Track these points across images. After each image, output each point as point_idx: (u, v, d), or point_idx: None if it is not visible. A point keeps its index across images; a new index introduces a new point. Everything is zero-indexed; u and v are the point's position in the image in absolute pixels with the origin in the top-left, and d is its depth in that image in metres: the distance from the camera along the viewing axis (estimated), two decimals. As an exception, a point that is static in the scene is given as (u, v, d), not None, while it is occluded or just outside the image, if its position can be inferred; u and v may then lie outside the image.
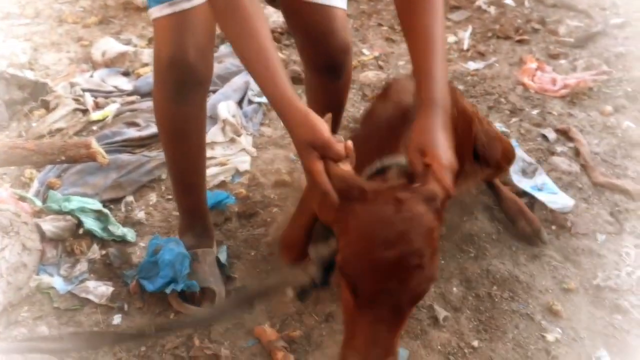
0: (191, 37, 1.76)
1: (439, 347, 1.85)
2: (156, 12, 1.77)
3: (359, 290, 1.20)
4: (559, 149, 2.60)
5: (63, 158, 1.83)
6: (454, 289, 2.03)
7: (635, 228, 2.24)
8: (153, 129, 2.61)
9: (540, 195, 2.35)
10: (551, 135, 2.68)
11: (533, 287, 2.04)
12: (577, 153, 2.57)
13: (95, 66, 3.16)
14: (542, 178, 2.42)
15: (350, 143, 1.32)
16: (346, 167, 1.30)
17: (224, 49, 3.27)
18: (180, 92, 1.82)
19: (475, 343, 1.87)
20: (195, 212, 2.11)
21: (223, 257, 2.11)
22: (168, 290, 1.97)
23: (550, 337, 1.88)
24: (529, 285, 2.04)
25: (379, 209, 1.21)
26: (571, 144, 2.63)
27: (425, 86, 1.35)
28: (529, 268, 2.11)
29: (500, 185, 2.33)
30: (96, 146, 1.86)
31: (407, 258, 1.16)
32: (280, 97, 1.32)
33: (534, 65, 3.16)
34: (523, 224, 2.23)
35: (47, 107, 2.81)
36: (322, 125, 1.30)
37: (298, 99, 1.34)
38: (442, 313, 1.92)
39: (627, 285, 2.02)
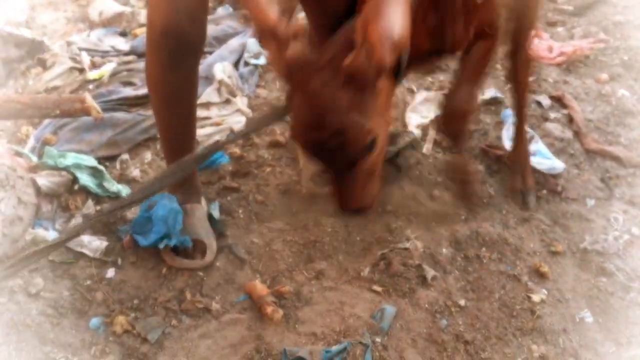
0: (183, 4, 1.78)
1: (427, 305, 1.88)
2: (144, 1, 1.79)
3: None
4: (552, 115, 2.61)
5: (57, 112, 1.85)
6: (444, 250, 2.06)
7: (624, 194, 2.27)
8: (149, 89, 2.62)
9: (532, 159, 2.37)
10: (545, 101, 2.69)
11: (521, 249, 2.07)
12: (570, 120, 2.59)
13: (92, 26, 3.16)
14: (537, 145, 2.44)
15: (299, 25, 1.36)
16: (296, 47, 1.33)
17: (221, 11, 3.27)
18: (174, 59, 1.85)
19: (462, 302, 1.90)
20: (186, 176, 2.13)
21: (216, 214, 2.14)
22: (161, 246, 2.00)
23: (535, 297, 1.92)
24: (517, 248, 2.07)
25: (304, 92, 1.33)
26: (565, 111, 2.64)
27: None
28: (518, 231, 2.13)
29: (525, 130, 2.30)
30: (91, 101, 1.87)
31: (335, 131, 1.31)
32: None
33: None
34: (518, 180, 2.26)
35: (44, 66, 2.82)
36: (268, 13, 1.33)
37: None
38: (430, 272, 1.95)
39: (614, 249, 2.05)
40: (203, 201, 2.16)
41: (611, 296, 1.92)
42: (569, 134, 2.52)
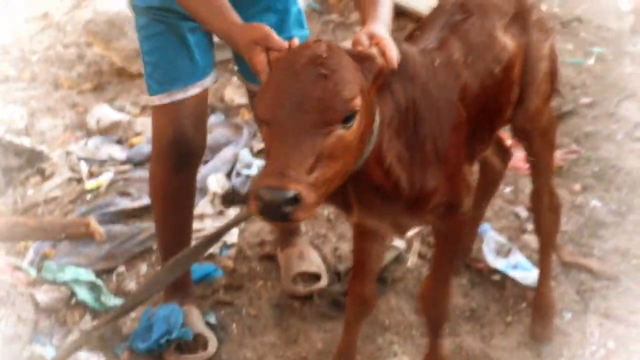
0: (187, 118, 1.98)
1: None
2: (156, 100, 1.98)
3: (269, 125, 1.25)
4: (530, 227, 2.75)
5: (63, 235, 1.96)
6: (428, 364, 2.15)
7: (599, 307, 2.38)
8: (145, 200, 2.74)
9: (513, 273, 2.49)
10: (523, 213, 2.83)
11: (503, 364, 2.16)
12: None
13: (89, 133, 3.29)
14: (516, 257, 2.56)
15: (296, 39, 1.41)
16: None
17: (214, 119, 3.42)
18: (179, 163, 2.03)
19: (447, 417, 1.98)
20: (182, 283, 2.24)
21: (212, 320, 2.23)
22: (162, 341, 2.08)
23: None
24: (500, 363, 2.16)
25: (294, 54, 1.29)
26: (541, 223, 2.78)
27: (373, 12, 1.47)
28: (500, 345, 2.23)
29: (549, 281, 2.30)
30: (95, 225, 1.99)
31: (316, 70, 1.22)
32: (227, 23, 1.53)
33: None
34: (538, 327, 2.24)
35: (43, 175, 2.93)
36: (264, 25, 1.44)
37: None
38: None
39: (591, 364, 2.15)
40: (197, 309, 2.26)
41: (590, 412, 2.01)
42: (545, 246, 2.65)
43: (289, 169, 1.17)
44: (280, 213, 1.16)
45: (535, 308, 2.27)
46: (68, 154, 3.06)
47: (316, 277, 2.39)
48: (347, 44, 1.43)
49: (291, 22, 2.06)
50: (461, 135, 1.63)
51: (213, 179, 2.82)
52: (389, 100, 1.43)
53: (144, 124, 3.35)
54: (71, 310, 2.27)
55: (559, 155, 3.16)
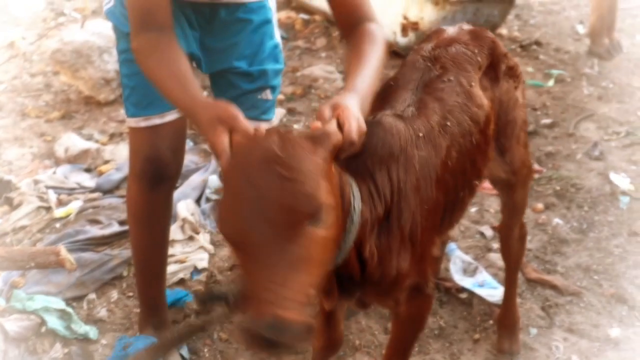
0: (164, 141, 1.99)
1: None
2: (132, 123, 1.99)
3: (237, 245, 1.15)
4: (495, 245, 2.82)
5: (32, 265, 1.95)
6: (399, 383, 2.18)
7: (563, 322, 2.44)
8: (115, 228, 2.74)
9: (480, 291, 2.55)
10: (488, 232, 2.90)
11: (472, 380, 2.21)
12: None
13: (58, 162, 3.29)
14: (482, 276, 2.63)
15: (263, 128, 1.28)
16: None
17: (183, 145, 3.44)
18: (155, 184, 2.03)
19: None
20: (156, 305, 2.26)
21: (185, 353, 2.23)
22: None
23: None
24: (468, 379, 2.21)
25: (253, 143, 1.20)
26: (506, 241, 2.85)
27: (350, 84, 1.42)
28: (468, 361, 2.28)
29: (515, 292, 2.33)
30: (65, 253, 1.99)
31: (276, 172, 1.11)
32: (190, 97, 1.44)
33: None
34: (506, 342, 2.28)
35: (11, 204, 2.91)
36: (231, 105, 1.33)
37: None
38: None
39: (557, 377, 2.21)
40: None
41: None
42: (510, 264, 2.71)
43: (264, 291, 1.07)
44: (274, 343, 1.06)
45: (502, 324, 2.32)
46: (36, 182, 3.04)
47: None
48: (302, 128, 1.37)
49: (264, 56, 2.04)
50: (437, 215, 1.57)
51: (182, 204, 2.84)
52: (374, 195, 1.38)
53: (113, 152, 3.36)
54: (41, 339, 2.25)
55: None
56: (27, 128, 3.67)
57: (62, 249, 2.00)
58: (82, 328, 2.31)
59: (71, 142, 3.37)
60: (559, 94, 4.19)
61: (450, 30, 1.86)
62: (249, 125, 1.28)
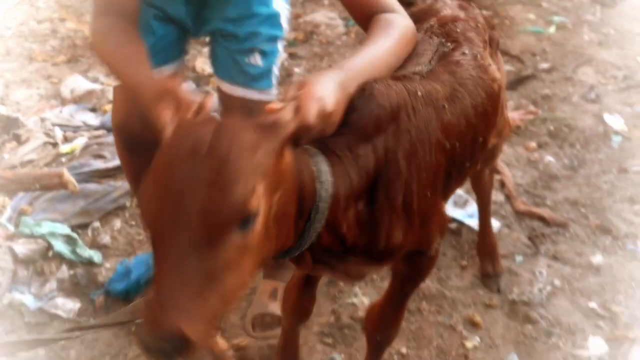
0: (137, 110, 1.82)
1: (372, 353, 2.10)
2: (113, 80, 2.01)
3: (154, 237, 1.02)
4: (486, 180, 2.89)
5: (37, 186, 2.05)
6: (388, 304, 2.29)
7: (548, 250, 2.53)
8: (118, 161, 2.83)
9: (469, 221, 2.64)
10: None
11: (457, 302, 2.31)
12: (502, 184, 2.87)
13: (64, 102, 3.38)
14: (472, 208, 2.71)
15: (211, 97, 1.19)
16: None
17: (185, 86, 3.52)
18: (129, 149, 2.04)
19: (404, 350, 2.13)
20: None
21: None
22: (142, 281, 2.22)
23: (469, 344, 2.15)
24: (454, 301, 2.31)
25: (187, 127, 1.07)
26: (497, 176, 2.92)
27: (342, 62, 1.36)
28: (455, 286, 2.38)
29: (489, 222, 2.44)
30: (68, 176, 2.09)
31: (199, 170, 0.99)
32: (134, 72, 1.39)
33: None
34: (488, 265, 2.40)
35: (19, 140, 3.01)
36: (174, 80, 1.24)
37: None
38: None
39: (538, 299, 2.30)
40: None
41: (535, 341, 2.16)
42: (500, 197, 2.80)
43: (169, 300, 0.95)
44: (168, 356, 0.96)
45: (482, 250, 2.44)
46: (43, 120, 3.14)
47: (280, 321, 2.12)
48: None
49: (255, 21, 1.93)
50: (439, 180, 1.47)
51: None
52: (353, 167, 1.27)
53: (117, 93, 3.44)
54: (48, 262, 2.37)
55: (517, 115, 3.32)
56: (34, 71, 3.76)
57: (65, 172, 2.10)
58: (86, 252, 2.43)
59: (77, 83, 3.46)
60: (559, 40, 4.21)
61: (440, 4, 1.81)
62: (191, 97, 1.19)
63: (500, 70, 1.87)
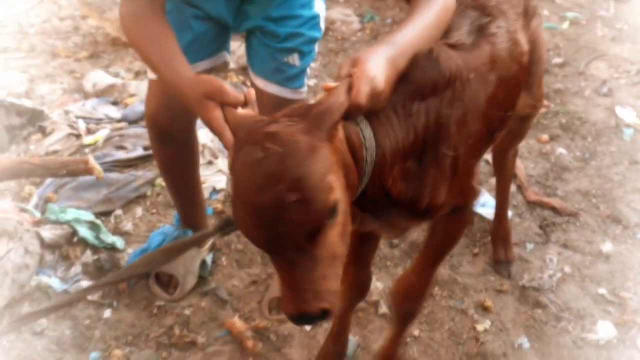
0: (167, 103, 2.02)
1: (385, 334, 2.16)
2: (149, 73, 2.09)
3: (250, 239, 1.18)
4: (498, 171, 2.95)
5: (64, 172, 2.14)
6: (401, 289, 2.35)
7: (559, 238, 2.59)
8: (139, 152, 2.93)
9: (481, 210, 2.70)
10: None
11: (469, 287, 2.37)
12: (514, 175, 2.92)
13: (86, 96, 3.47)
14: (484, 197, 2.77)
15: (252, 91, 1.32)
16: (248, 112, 1.29)
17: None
18: (159, 140, 2.16)
19: (417, 332, 2.19)
20: (195, 222, 2.42)
21: (209, 260, 2.43)
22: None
23: (480, 327, 2.21)
24: (465, 286, 2.37)
25: (249, 148, 1.14)
26: (510, 168, 2.98)
27: (390, 36, 1.38)
28: (467, 272, 2.44)
29: (506, 207, 2.49)
30: (93, 162, 2.17)
31: (280, 196, 1.09)
32: (175, 73, 1.41)
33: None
34: (501, 251, 2.45)
35: (44, 132, 3.11)
36: (216, 79, 1.33)
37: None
38: (383, 307, 2.26)
39: (548, 285, 2.36)
40: (207, 245, 2.43)
41: (545, 325, 2.22)
42: (512, 188, 2.85)
43: (301, 291, 1.15)
44: (316, 324, 1.24)
45: (496, 236, 2.49)
46: (67, 113, 3.24)
47: None
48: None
49: (297, 23, 1.97)
50: (482, 146, 1.61)
51: (202, 132, 3.00)
52: (402, 125, 1.36)
53: (138, 87, 3.53)
54: (73, 247, 2.46)
55: (529, 108, 3.35)
56: (58, 67, 3.86)
57: (91, 158, 2.19)
58: (109, 238, 2.51)
59: (99, 77, 3.55)
60: (572, 36, 4.25)
61: None
62: (237, 94, 1.28)
63: (539, 40, 1.92)
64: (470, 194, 1.62)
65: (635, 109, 3.42)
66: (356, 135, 1.27)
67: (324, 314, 1.17)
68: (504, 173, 2.44)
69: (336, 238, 1.17)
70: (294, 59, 1.99)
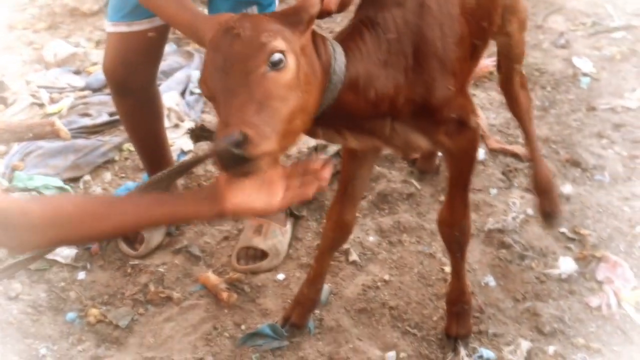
0: (123, 56, 2.11)
1: (357, 281, 2.23)
2: (107, 27, 2.14)
3: (213, 99, 1.33)
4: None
5: (30, 135, 2.14)
6: (370, 238, 2.42)
7: (521, 183, 2.67)
8: (104, 117, 2.93)
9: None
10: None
11: (436, 233, 2.42)
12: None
13: (47, 66, 3.44)
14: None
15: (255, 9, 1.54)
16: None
17: (167, 48, 3.58)
18: (117, 93, 2.22)
19: (387, 277, 2.26)
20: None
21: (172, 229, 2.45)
22: None
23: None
24: (433, 232, 2.44)
25: (218, 32, 1.34)
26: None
27: None
28: (433, 219, 2.49)
29: (540, 155, 2.51)
30: (59, 124, 2.18)
31: (237, 34, 1.30)
32: (191, 14, 1.60)
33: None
34: (545, 203, 2.43)
35: (5, 103, 3.08)
36: (229, 15, 1.48)
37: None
38: (354, 255, 2.32)
39: (512, 226, 2.43)
40: None
41: (510, 264, 2.31)
42: (475, 137, 2.92)
43: (231, 117, 1.23)
44: (235, 157, 1.17)
45: (538, 187, 2.45)
46: (28, 83, 3.21)
47: (264, 255, 2.30)
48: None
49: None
50: (465, 48, 1.66)
51: (168, 96, 3.01)
52: (372, 36, 1.49)
53: (100, 55, 3.49)
54: (43, 212, 2.46)
55: (489, 62, 3.42)
56: (15, 39, 3.80)
57: (57, 120, 2.19)
58: (80, 203, 2.52)
59: (59, 47, 3.51)
60: (530, -10, 4.31)
61: None
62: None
63: None
64: (466, 105, 1.69)
65: (591, 59, 3.50)
66: (326, 51, 1.42)
67: (244, 141, 1.18)
68: (519, 109, 2.45)
69: (281, 91, 1.27)
70: (253, 11, 2.01)
